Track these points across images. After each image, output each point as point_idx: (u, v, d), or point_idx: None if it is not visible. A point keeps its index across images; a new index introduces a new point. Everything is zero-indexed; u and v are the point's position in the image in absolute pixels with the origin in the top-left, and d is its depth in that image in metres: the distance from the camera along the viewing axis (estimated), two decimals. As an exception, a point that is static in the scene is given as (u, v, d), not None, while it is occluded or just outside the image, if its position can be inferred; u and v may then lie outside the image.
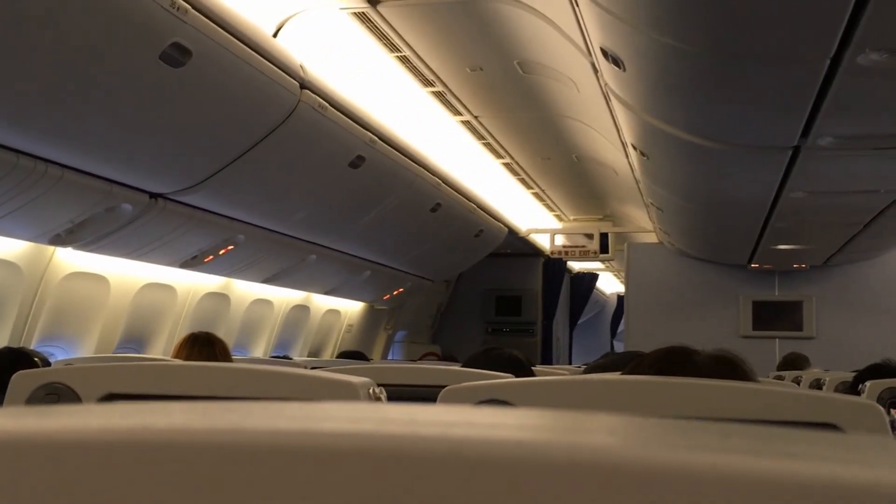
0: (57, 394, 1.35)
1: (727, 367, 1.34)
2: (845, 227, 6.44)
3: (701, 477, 0.29)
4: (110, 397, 1.34)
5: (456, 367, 2.07)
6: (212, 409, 0.39)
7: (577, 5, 3.39)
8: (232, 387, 1.41)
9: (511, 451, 0.31)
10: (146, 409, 0.39)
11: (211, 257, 5.25)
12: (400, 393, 1.74)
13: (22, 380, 1.36)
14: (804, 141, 3.95)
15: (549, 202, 8.97)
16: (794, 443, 0.35)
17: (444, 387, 1.36)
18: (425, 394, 1.47)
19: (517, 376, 1.87)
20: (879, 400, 3.04)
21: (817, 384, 4.11)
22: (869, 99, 3.32)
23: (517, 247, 9.95)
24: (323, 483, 0.31)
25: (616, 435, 0.38)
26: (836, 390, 3.83)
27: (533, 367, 3.60)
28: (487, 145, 6.74)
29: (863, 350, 6.80)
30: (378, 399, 1.40)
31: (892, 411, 3.10)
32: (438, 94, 5.45)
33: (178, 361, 2.16)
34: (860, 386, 3.18)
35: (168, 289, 5.53)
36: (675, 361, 1.36)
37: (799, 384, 4.35)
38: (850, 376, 3.76)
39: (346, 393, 1.37)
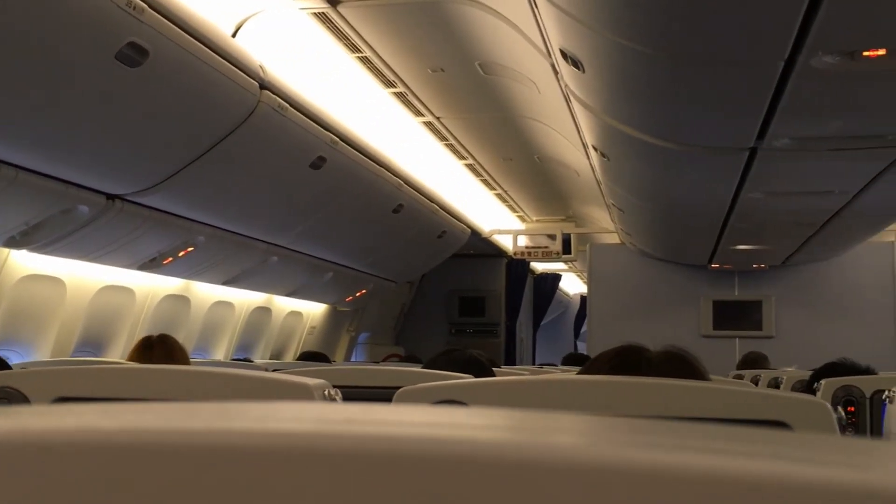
0: (7, 398, 1.33)
1: (679, 364, 1.36)
2: (802, 227, 6.54)
3: (669, 475, 0.29)
4: (61, 401, 1.32)
5: (413, 368, 2.07)
6: (143, 410, 0.38)
7: (537, 7, 3.41)
8: (185, 389, 1.39)
9: (475, 450, 0.31)
10: (82, 411, 0.38)
11: (170, 259, 5.19)
12: (357, 394, 1.73)
13: (-30, 384, 1.34)
14: (760, 142, 4.00)
15: (511, 203, 9.00)
16: (760, 443, 0.35)
17: (400, 388, 1.36)
18: (382, 395, 1.47)
19: (478, 378, 1.88)
20: (834, 397, 3.10)
21: (775, 383, 4.18)
22: (823, 101, 3.38)
23: (480, 248, 9.97)
24: (249, 482, 0.31)
25: (582, 434, 0.38)
26: (794, 388, 3.89)
27: (496, 368, 3.60)
28: (450, 146, 6.75)
29: (820, 349, 6.90)
30: (334, 401, 1.39)
31: (848, 408, 3.16)
32: (400, 95, 5.45)
33: (130, 364, 2.14)
34: (815, 384, 3.24)
35: (126, 291, 5.46)
36: (628, 360, 1.37)
37: (758, 383, 4.42)
38: (806, 375, 3.82)
39: (301, 395, 1.36)
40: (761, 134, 3.86)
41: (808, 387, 3.56)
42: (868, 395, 3.07)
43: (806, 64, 2.86)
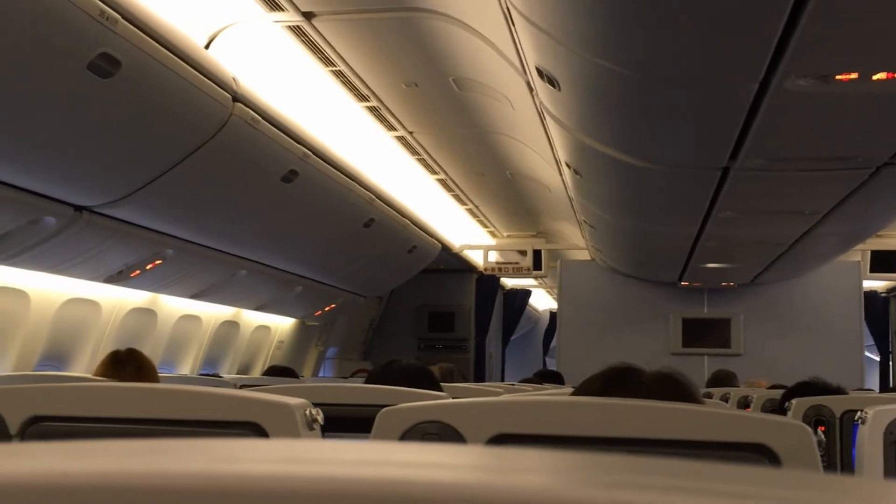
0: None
1: (671, 386, 1.37)
2: (772, 246, 6.61)
3: None
4: (35, 420, 1.28)
5: (393, 387, 2.04)
6: (133, 450, 0.37)
7: (514, 25, 3.42)
8: (164, 409, 1.36)
9: (448, 493, 0.30)
10: (43, 452, 0.37)
11: (138, 272, 5.12)
12: (336, 413, 1.71)
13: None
14: (733, 162, 4.04)
15: (482, 218, 9.01)
16: (727, 481, 0.35)
17: (381, 406, 1.33)
18: (362, 413, 1.45)
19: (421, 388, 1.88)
20: (804, 417, 3.12)
21: (745, 401, 4.21)
22: (795, 123, 3.41)
23: (450, 263, 9.97)
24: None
25: (553, 474, 0.37)
26: (764, 407, 3.92)
27: (468, 385, 3.59)
28: (422, 161, 6.74)
29: (787, 367, 6.98)
30: (315, 420, 1.37)
31: (819, 428, 3.18)
32: (373, 109, 5.44)
33: (107, 382, 2.09)
34: (787, 403, 3.26)
35: (92, 304, 5.38)
36: (620, 381, 1.38)
37: (727, 401, 4.45)
38: (776, 394, 3.85)
39: (282, 415, 1.34)
40: (734, 154, 3.89)
41: (779, 406, 3.59)
42: (838, 415, 3.09)
43: (780, 87, 2.89)
